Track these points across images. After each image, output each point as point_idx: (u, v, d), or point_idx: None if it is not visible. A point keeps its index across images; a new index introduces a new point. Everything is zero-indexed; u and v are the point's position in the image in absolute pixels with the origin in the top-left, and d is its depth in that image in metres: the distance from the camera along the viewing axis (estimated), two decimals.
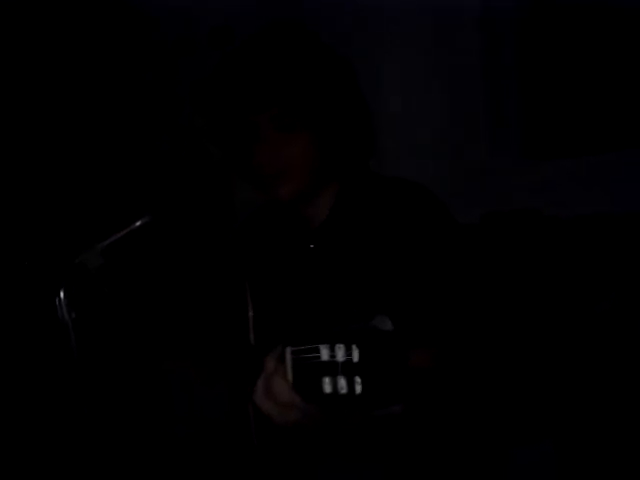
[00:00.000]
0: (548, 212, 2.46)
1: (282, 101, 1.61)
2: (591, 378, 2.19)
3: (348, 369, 1.08)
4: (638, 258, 2.28)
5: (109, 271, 1.43)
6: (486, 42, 2.78)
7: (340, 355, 1.09)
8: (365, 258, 1.60)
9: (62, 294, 1.41)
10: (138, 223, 1.44)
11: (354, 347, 1.07)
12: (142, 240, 1.45)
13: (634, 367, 2.18)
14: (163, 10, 2.80)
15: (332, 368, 1.10)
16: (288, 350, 1.22)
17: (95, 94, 2.74)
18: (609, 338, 2.21)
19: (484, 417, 1.65)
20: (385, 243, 1.59)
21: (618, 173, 2.42)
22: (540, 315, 2.27)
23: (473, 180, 2.70)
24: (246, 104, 1.63)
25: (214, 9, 2.74)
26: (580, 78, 2.67)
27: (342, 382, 1.08)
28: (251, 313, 1.67)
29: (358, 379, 1.06)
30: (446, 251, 1.59)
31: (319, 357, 1.12)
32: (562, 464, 2.05)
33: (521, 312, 2.25)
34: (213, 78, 1.67)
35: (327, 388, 1.11)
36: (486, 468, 1.69)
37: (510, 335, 2.06)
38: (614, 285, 2.29)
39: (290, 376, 1.23)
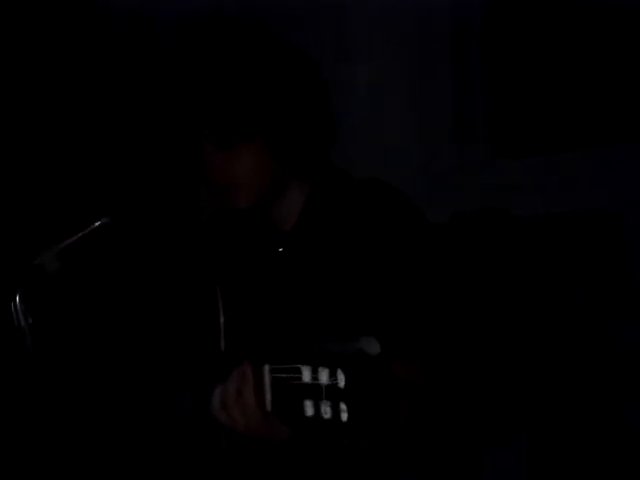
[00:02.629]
0: (517, 211, 2.45)
1: (211, 121, 1.54)
2: (565, 375, 2.18)
3: (333, 394, 1.04)
4: (602, 256, 2.28)
5: (68, 274, 1.38)
6: (454, 43, 2.76)
7: (324, 378, 1.05)
8: (337, 263, 1.55)
9: (18, 299, 1.36)
10: (97, 224, 1.39)
11: (339, 372, 1.03)
12: (102, 242, 1.40)
13: (607, 363, 2.18)
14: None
15: (315, 391, 1.07)
16: (266, 368, 1.19)
17: (53, 93, 2.68)
18: (582, 334, 2.20)
19: (460, 417, 1.63)
20: (357, 247, 1.54)
21: (586, 171, 2.42)
22: (511, 313, 2.26)
23: (442, 180, 2.69)
24: (178, 126, 1.59)
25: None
26: (547, 77, 2.67)
27: (326, 407, 1.05)
28: (222, 318, 1.62)
29: (344, 406, 1.03)
30: (421, 256, 1.55)
31: (300, 378, 1.09)
32: (533, 461, 2.05)
33: (492, 311, 2.23)
34: (148, 97, 1.62)
35: (309, 411, 1.08)
36: (460, 467, 1.67)
37: (484, 335, 2.05)
38: (580, 283, 2.29)
39: (269, 396, 1.19)
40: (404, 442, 1.43)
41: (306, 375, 1.08)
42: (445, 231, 2.46)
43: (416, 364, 1.48)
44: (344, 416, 1.03)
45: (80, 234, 1.38)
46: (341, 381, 1.03)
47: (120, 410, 1.65)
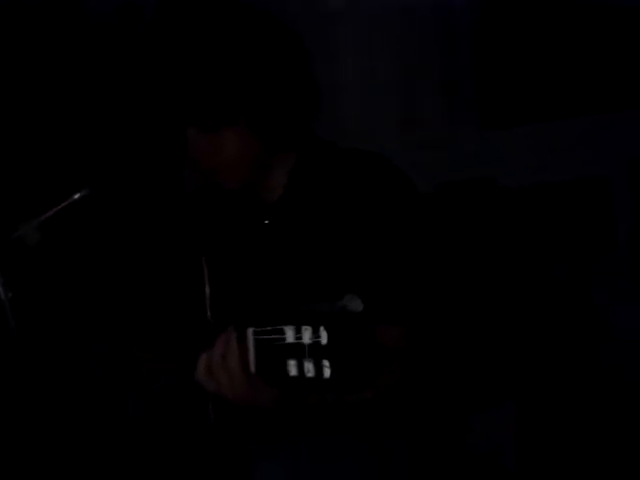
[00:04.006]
0: (503, 181, 2.45)
1: (194, 106, 1.48)
2: (553, 341, 2.19)
3: (316, 352, 1.03)
4: (589, 222, 2.28)
5: (48, 247, 1.37)
6: (442, 17, 2.75)
7: (307, 337, 1.04)
8: (324, 234, 1.53)
9: None
10: (77, 195, 1.38)
11: (322, 329, 1.02)
12: (83, 213, 1.39)
13: (594, 329, 2.18)
14: None
15: (298, 350, 1.05)
16: (250, 331, 1.17)
17: (34, 66, 2.65)
18: (565, 301, 2.21)
19: (446, 386, 1.63)
20: (344, 217, 1.52)
21: (571, 139, 2.42)
22: (497, 281, 2.26)
23: (429, 150, 2.69)
24: (160, 111, 1.56)
25: None
26: (533, 49, 2.66)
27: (309, 365, 1.04)
28: (208, 289, 1.61)
29: (327, 362, 1.02)
30: (408, 224, 1.54)
31: (284, 339, 1.07)
32: (521, 425, 2.05)
33: (479, 279, 2.24)
34: (128, 80, 1.58)
35: (293, 371, 1.06)
36: (446, 435, 1.67)
37: (470, 303, 2.05)
38: (568, 250, 2.29)
39: (253, 357, 1.18)
40: (388, 409, 1.43)
41: (289, 335, 1.07)
42: (432, 200, 2.46)
43: (400, 330, 1.48)
44: (327, 372, 1.01)
45: (60, 206, 1.37)
46: (323, 338, 1.02)
47: (104, 384, 1.64)
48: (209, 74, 1.47)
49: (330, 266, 1.52)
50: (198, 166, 1.56)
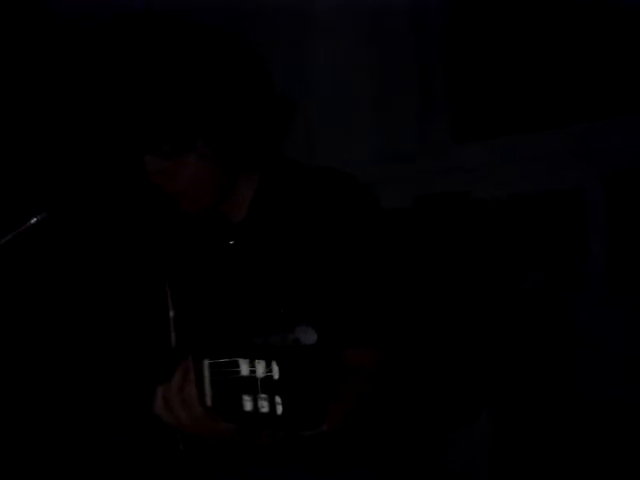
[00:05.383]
0: (477, 194, 2.45)
1: (149, 133, 1.43)
2: (521, 353, 2.18)
3: (268, 387, 1.02)
4: (562, 237, 2.28)
5: (4, 273, 1.35)
6: (416, 33, 2.76)
7: (260, 371, 1.03)
8: (288, 255, 1.52)
9: None
10: (33, 220, 1.36)
11: (274, 363, 1.01)
12: (41, 238, 1.37)
13: (559, 341, 2.18)
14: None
15: (252, 385, 1.04)
16: (206, 363, 1.16)
17: None
18: (536, 315, 2.20)
19: (419, 403, 1.61)
20: (308, 239, 1.51)
21: (545, 152, 2.42)
22: (468, 295, 2.26)
23: (404, 164, 2.68)
24: (114, 141, 1.52)
25: None
26: (506, 61, 2.66)
27: (263, 400, 1.02)
28: (172, 313, 1.58)
29: (278, 399, 1.00)
30: (373, 244, 1.51)
31: (238, 372, 1.07)
32: (498, 437, 2.04)
33: (450, 292, 2.23)
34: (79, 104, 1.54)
35: (247, 406, 1.05)
36: (423, 453, 1.66)
37: (440, 317, 2.04)
38: (539, 264, 2.29)
39: (209, 390, 1.17)
40: (353, 432, 1.41)
41: (244, 369, 1.05)
42: (408, 214, 2.46)
43: (369, 350, 1.46)
44: (279, 409, 1.00)
45: (16, 231, 1.35)
46: (275, 373, 1.00)
47: (66, 408, 1.62)
48: (160, 98, 1.43)
49: (295, 288, 1.50)
50: (160, 190, 1.53)
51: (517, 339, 2.19)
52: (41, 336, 1.89)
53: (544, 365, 2.17)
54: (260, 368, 1.03)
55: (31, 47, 2.57)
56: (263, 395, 1.03)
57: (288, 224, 1.54)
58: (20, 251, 1.37)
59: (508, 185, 2.42)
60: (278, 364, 1.00)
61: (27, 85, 2.56)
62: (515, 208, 2.37)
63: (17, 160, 2.44)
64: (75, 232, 2.09)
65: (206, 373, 1.17)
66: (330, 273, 1.49)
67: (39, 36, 2.56)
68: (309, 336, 1.03)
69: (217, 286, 1.60)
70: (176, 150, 1.46)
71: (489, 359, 2.12)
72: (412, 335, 1.52)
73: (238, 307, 1.56)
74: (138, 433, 1.61)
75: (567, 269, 2.26)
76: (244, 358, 1.06)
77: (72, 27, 2.51)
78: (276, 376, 1.01)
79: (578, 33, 2.50)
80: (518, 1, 2.62)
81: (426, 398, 1.66)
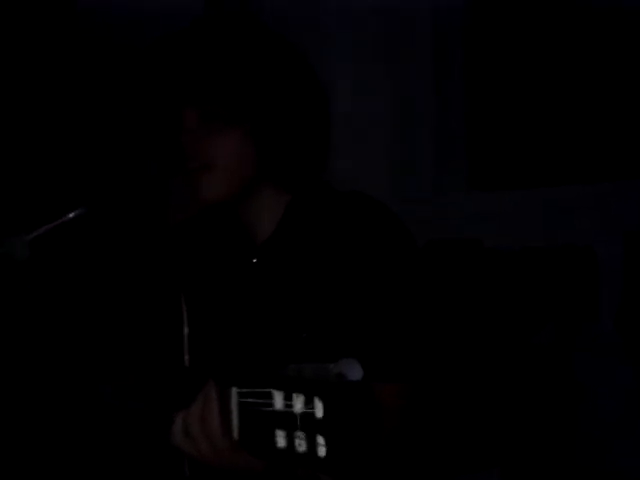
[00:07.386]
0: (490, 242, 2.45)
1: (216, 98, 1.47)
2: (532, 406, 2.16)
3: (309, 425, 0.93)
4: (573, 291, 2.27)
5: (36, 265, 1.31)
6: (436, 77, 2.76)
7: (298, 406, 0.94)
8: (314, 279, 1.46)
9: None
10: (71, 215, 1.33)
11: (317, 400, 0.92)
12: (75, 234, 1.34)
13: (569, 395, 2.16)
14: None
15: (288, 420, 0.95)
16: (234, 392, 1.07)
17: (34, 80, 2.60)
18: (546, 369, 2.18)
19: (434, 447, 1.56)
20: (338, 264, 1.45)
21: (559, 206, 2.43)
22: (478, 345, 2.24)
23: (419, 209, 2.67)
24: (175, 97, 1.49)
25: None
26: (527, 112, 2.67)
27: (301, 439, 0.94)
28: (186, 330, 1.53)
29: (321, 440, 0.91)
30: (406, 274, 1.46)
31: (272, 404, 0.98)
32: None
33: (461, 341, 2.20)
34: (144, 61, 1.53)
35: (281, 442, 0.96)
36: None
37: (452, 365, 2.01)
38: (550, 317, 2.28)
39: (236, 423, 1.08)
40: (377, 469, 1.37)
41: (278, 401, 0.96)
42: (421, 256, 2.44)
43: (400, 387, 1.42)
44: (322, 450, 0.91)
45: (55, 223, 1.32)
46: (319, 411, 0.91)
47: (73, 419, 1.57)
48: (229, 67, 1.46)
49: (320, 314, 1.46)
50: (189, 162, 1.49)
51: (524, 394, 2.17)
52: (51, 336, 1.84)
53: (549, 423, 2.15)
54: (298, 403, 0.94)
55: (62, 46, 2.57)
56: (302, 433, 0.94)
57: (317, 247, 1.50)
58: (55, 243, 1.34)
59: (522, 237, 2.42)
60: (322, 401, 0.92)
61: (62, 82, 2.55)
62: (527, 260, 2.37)
63: (61, 155, 2.42)
64: (103, 231, 2.05)
65: (234, 403, 1.07)
66: (360, 303, 1.45)
67: (67, 35, 2.56)
68: (355, 372, 0.96)
69: (236, 305, 1.54)
70: (219, 116, 1.47)
71: (498, 412, 2.09)
72: (437, 374, 1.48)
73: (257, 328, 1.50)
74: (144, 455, 1.55)
75: (576, 327, 2.25)
76: (278, 390, 0.97)
77: (99, 27, 2.53)
78: (319, 414, 0.92)
79: (605, 92, 2.52)
80: (538, 55, 2.65)
81: (440, 441, 1.62)
